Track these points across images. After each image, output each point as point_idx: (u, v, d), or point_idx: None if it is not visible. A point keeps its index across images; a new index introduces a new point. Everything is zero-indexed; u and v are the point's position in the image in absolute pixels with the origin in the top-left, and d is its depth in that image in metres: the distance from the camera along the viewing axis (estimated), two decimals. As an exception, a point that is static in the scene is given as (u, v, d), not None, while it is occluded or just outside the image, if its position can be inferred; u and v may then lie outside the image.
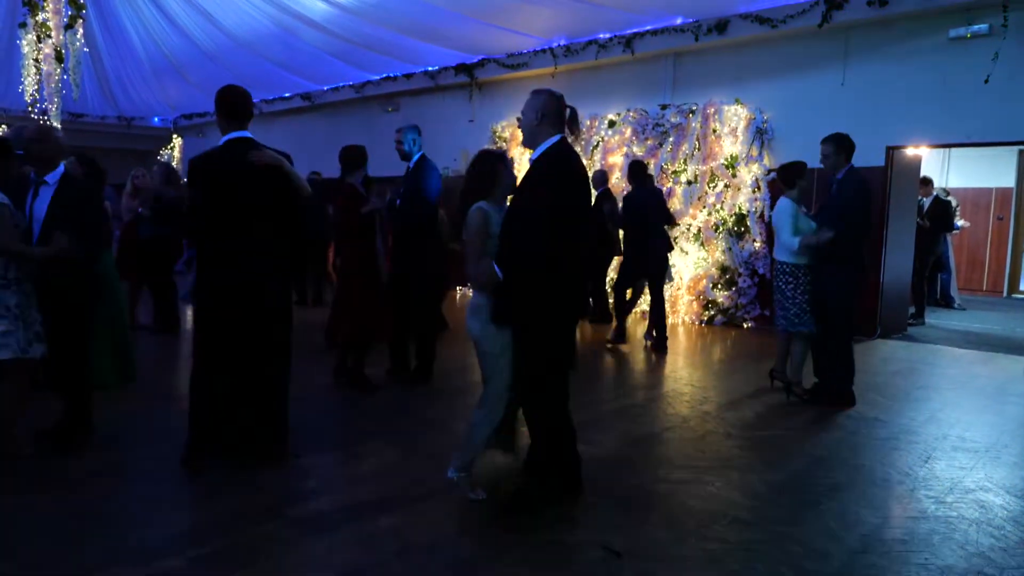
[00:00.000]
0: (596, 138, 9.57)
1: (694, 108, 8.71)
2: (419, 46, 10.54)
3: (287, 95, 14.01)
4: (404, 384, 5.50)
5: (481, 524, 3.13)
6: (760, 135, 8.30)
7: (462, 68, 10.93)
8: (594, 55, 9.46)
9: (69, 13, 8.06)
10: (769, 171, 8.14)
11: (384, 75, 12.12)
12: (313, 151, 11.98)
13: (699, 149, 8.62)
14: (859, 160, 7.57)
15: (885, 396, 5.45)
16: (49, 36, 7.85)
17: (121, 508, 3.20)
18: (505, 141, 10.69)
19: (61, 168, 3.79)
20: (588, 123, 9.66)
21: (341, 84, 12.85)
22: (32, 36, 7.74)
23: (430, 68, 11.40)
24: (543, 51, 9.95)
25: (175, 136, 17.54)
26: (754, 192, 8.26)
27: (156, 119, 17.31)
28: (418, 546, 2.91)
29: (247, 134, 3.72)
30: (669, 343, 7.29)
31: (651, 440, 4.35)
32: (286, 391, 3.83)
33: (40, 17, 8.09)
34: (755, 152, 8.33)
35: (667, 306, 7.61)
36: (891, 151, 7.60)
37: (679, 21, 8.68)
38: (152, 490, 3.42)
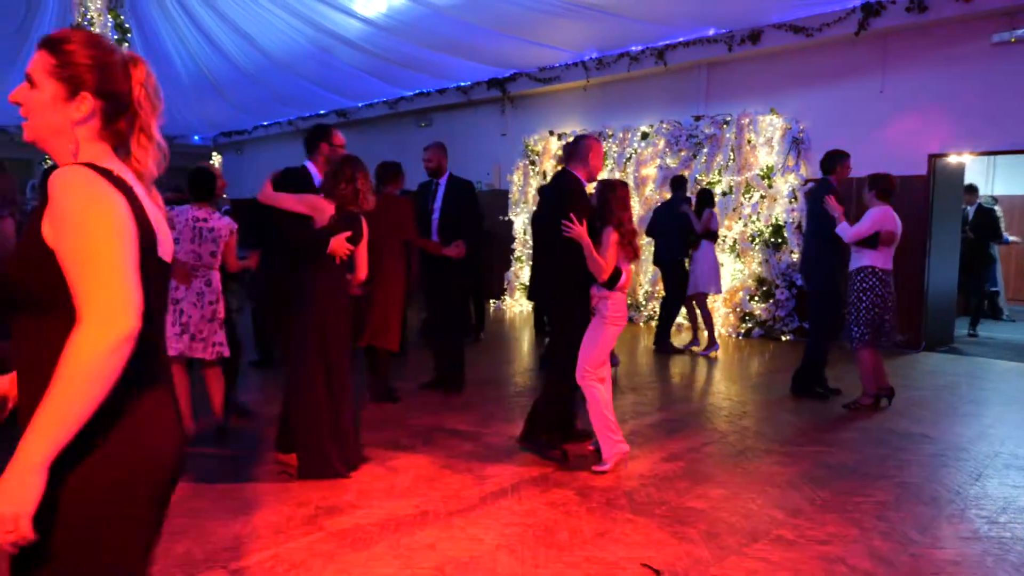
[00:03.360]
0: (629, 151, 9.54)
1: (728, 119, 8.64)
2: (452, 62, 10.65)
3: (323, 112, 14.26)
4: (437, 395, 5.52)
5: (519, 540, 3.11)
6: (796, 145, 8.20)
7: (494, 83, 11.02)
8: (626, 67, 9.46)
9: (115, 37, 8.31)
10: (806, 181, 8.03)
11: (417, 91, 12.27)
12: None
13: (734, 160, 8.54)
14: (899, 169, 7.47)
15: (931, 411, 5.30)
16: (96, 59, 8.10)
17: (173, 516, 3.25)
18: (537, 154, 10.72)
19: None
20: (621, 135, 9.64)
21: (375, 100, 13.04)
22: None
23: (462, 83, 11.50)
24: (575, 64, 9.97)
25: (214, 153, 17.96)
26: (791, 203, 8.14)
27: (196, 137, 17.74)
28: (456, 561, 2.90)
29: None
30: (708, 356, 7.24)
31: (690, 455, 4.29)
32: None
33: (87, 41, 8.33)
34: (791, 162, 8.22)
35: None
36: (933, 159, 7.44)
37: (712, 32, 8.64)
38: (195, 503, 3.48)
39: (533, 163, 10.77)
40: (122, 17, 8.43)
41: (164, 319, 1.53)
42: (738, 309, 8.39)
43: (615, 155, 9.64)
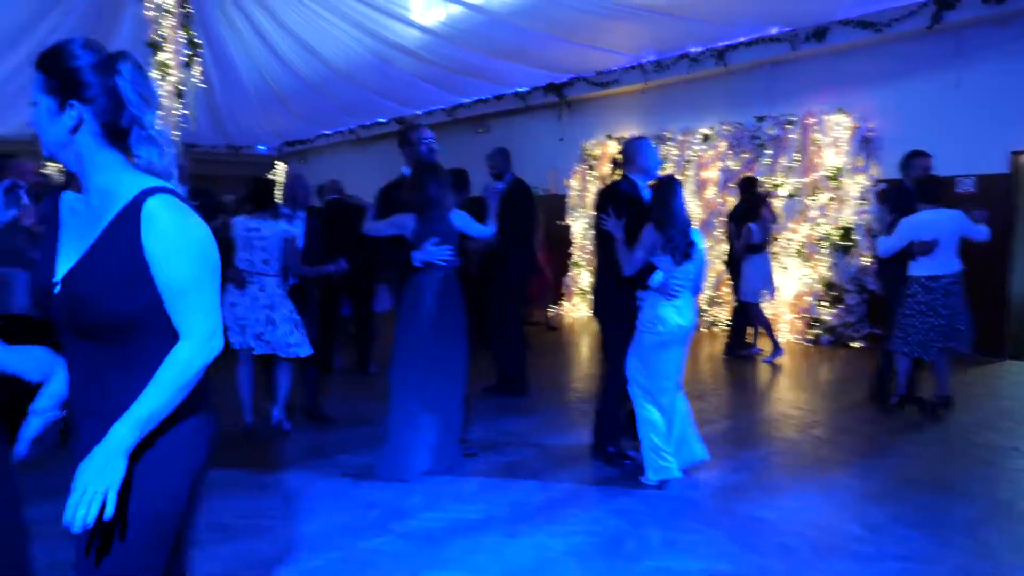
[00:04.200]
0: (689, 153, 9.40)
1: (792, 119, 8.42)
2: (509, 67, 10.68)
3: (383, 120, 14.50)
4: (500, 399, 5.53)
5: (588, 548, 3.08)
6: (866, 145, 7.92)
7: (551, 88, 11.00)
8: (685, 69, 9.31)
9: (187, 52, 8.63)
10: (877, 182, 7.75)
11: (475, 98, 12.35)
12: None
13: (799, 161, 8.31)
14: (980, 167, 7.14)
15: (1020, 423, 5.03)
16: (169, 74, 8.42)
17: (237, 518, 3.35)
18: (595, 159, 10.66)
19: None
20: (680, 138, 9.50)
21: (433, 108, 13.19)
22: (155, 74, 8.33)
23: (520, 89, 11.53)
24: (632, 68, 9.87)
25: (278, 162, 18.48)
26: (862, 204, 7.87)
27: (262, 147, 18.30)
28: (523, 568, 2.89)
29: None
30: (773, 362, 7.06)
31: (759, 464, 4.18)
32: None
33: (161, 57, 8.67)
34: (861, 163, 7.95)
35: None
36: (1016, 156, 7.08)
37: (774, 31, 8.43)
38: (266, 502, 3.57)
39: (591, 167, 10.71)
40: (194, 33, 8.74)
41: None
42: (805, 315, 8.14)
43: (675, 158, 9.50)
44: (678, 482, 3.77)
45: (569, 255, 10.65)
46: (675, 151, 9.53)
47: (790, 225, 8.28)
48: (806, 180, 8.25)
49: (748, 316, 7.29)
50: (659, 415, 3.78)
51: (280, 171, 18.39)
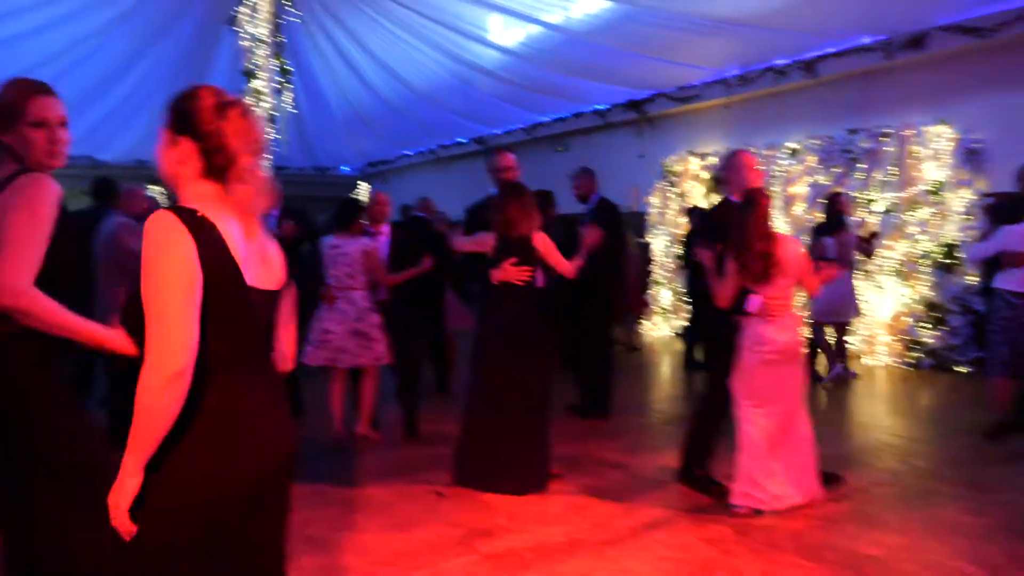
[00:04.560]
0: (776, 168, 9.11)
1: (888, 131, 8.03)
2: (588, 85, 10.68)
3: (463, 140, 14.75)
4: (583, 419, 5.45)
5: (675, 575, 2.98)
6: (970, 157, 7.47)
7: (631, 104, 10.92)
8: (771, 82, 9.06)
9: (279, 79, 9.05)
10: (984, 196, 7.28)
11: (554, 116, 12.40)
12: (485, 191, 12.45)
13: (896, 175, 7.91)
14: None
15: None
16: (263, 100, 8.83)
17: (324, 531, 3.40)
18: (676, 175, 10.49)
19: None
20: (766, 153, 9.23)
21: (513, 127, 13.31)
22: (248, 101, 8.76)
23: (599, 107, 11.50)
24: (715, 82, 9.69)
25: (361, 182, 19.05)
26: (966, 220, 7.41)
27: (346, 168, 18.92)
28: (613, 595, 2.81)
29: None
30: (868, 387, 6.69)
31: (860, 497, 3.94)
32: None
33: (255, 84, 9.10)
34: (965, 176, 7.50)
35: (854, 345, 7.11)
36: None
37: (867, 40, 8.10)
38: (353, 516, 3.61)
39: (672, 184, 10.54)
40: (286, 61, 9.15)
41: (264, 339, 1.64)
42: (904, 337, 7.70)
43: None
44: (772, 511, 3.59)
45: (649, 273, 10.47)
46: (760, 166, 9.25)
47: (886, 242, 7.88)
48: (903, 195, 7.85)
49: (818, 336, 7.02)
50: (758, 438, 3.61)
51: (364, 191, 18.96)
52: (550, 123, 12.59)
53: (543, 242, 3.99)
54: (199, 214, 1.46)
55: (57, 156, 2.01)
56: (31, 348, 1.91)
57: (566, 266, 4.08)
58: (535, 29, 9.85)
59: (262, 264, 1.57)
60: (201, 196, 1.51)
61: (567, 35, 9.46)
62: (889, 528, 3.48)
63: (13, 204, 1.87)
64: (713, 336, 3.97)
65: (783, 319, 3.60)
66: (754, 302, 3.57)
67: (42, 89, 2.01)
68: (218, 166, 1.51)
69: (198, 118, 1.51)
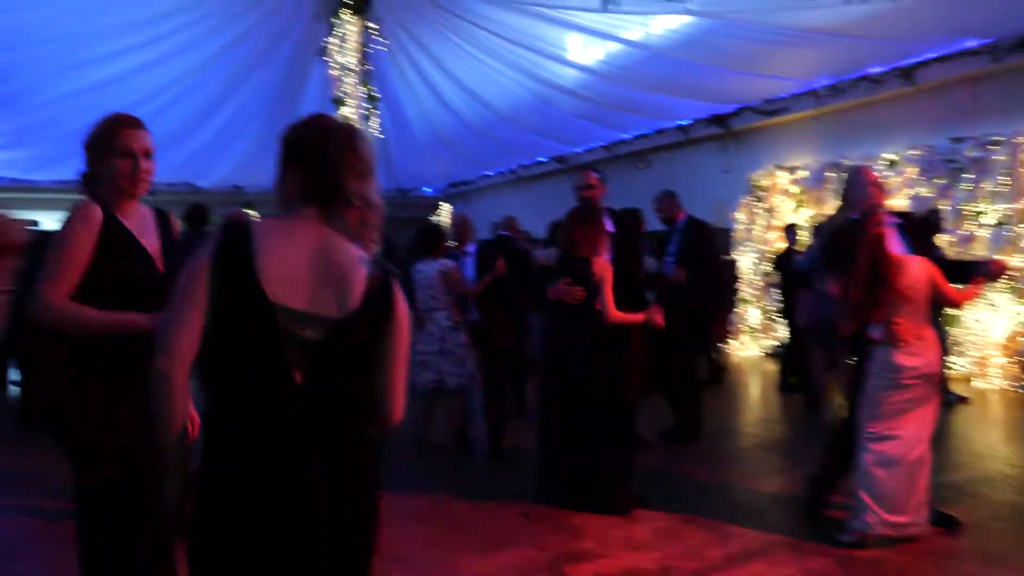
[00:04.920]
0: (871, 180, 8.70)
1: (998, 139, 7.54)
2: (670, 102, 10.53)
3: (543, 159, 14.82)
4: (673, 444, 5.30)
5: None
6: (1094, 164, 6.91)
7: (715, 119, 10.69)
8: (866, 91, 8.68)
9: (366, 106, 9.36)
10: (1108, 206, 6.71)
11: (635, 134, 12.29)
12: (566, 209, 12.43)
13: (1008, 185, 7.40)
14: None
15: None
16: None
17: (413, 549, 3.41)
18: (763, 190, 10.17)
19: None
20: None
21: (593, 145, 13.28)
22: (344, 127, 9.11)
23: (682, 122, 11.32)
24: (804, 94, 9.36)
25: (442, 203, 19.41)
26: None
27: (427, 188, 19.33)
28: (709, 627, 2.70)
29: None
30: (980, 412, 6.23)
31: (974, 529, 3.64)
32: None
33: (344, 111, 9.44)
34: (1087, 185, 6.94)
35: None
36: None
37: (972, 43, 7.65)
38: (441, 535, 3.62)
39: (759, 199, 10.23)
40: (373, 88, 9.46)
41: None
42: (1021, 358, 7.14)
43: (855, 187, 8.83)
44: (881, 543, 3.37)
45: (736, 291, 10.16)
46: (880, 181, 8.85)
47: (996, 256, 7.36)
48: (1017, 206, 7.33)
49: None
50: (878, 465, 3.37)
51: (445, 212, 19.32)
52: (631, 140, 12.49)
53: (603, 269, 3.91)
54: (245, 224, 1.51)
55: (140, 184, 2.16)
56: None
57: (610, 307, 3.87)
58: (615, 47, 9.82)
59: (323, 286, 1.46)
60: (305, 219, 1.52)
61: (649, 52, 9.38)
62: (1011, 567, 3.21)
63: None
64: (850, 365, 3.74)
65: (914, 344, 3.37)
66: (878, 328, 3.40)
67: (131, 122, 2.18)
68: (323, 191, 1.53)
69: (303, 145, 1.54)
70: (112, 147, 2.11)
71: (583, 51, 10.45)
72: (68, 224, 2.09)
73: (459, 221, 5.81)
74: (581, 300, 3.89)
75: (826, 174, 9.23)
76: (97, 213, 2.10)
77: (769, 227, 9.99)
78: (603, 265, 3.92)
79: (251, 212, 12.26)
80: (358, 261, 1.50)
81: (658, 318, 3.94)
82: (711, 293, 5.43)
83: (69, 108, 9.47)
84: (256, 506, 1.42)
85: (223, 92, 11.43)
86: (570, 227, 4.03)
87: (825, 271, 3.64)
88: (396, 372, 1.58)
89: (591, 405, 3.88)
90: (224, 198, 13.82)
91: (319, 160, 1.52)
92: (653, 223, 6.04)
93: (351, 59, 9.04)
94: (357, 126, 1.65)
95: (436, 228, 5.43)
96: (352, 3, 8.91)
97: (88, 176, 2.18)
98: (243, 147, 13.59)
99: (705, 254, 5.57)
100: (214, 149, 13.58)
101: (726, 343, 9.37)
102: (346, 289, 1.47)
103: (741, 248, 10.40)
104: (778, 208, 9.90)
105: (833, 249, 3.68)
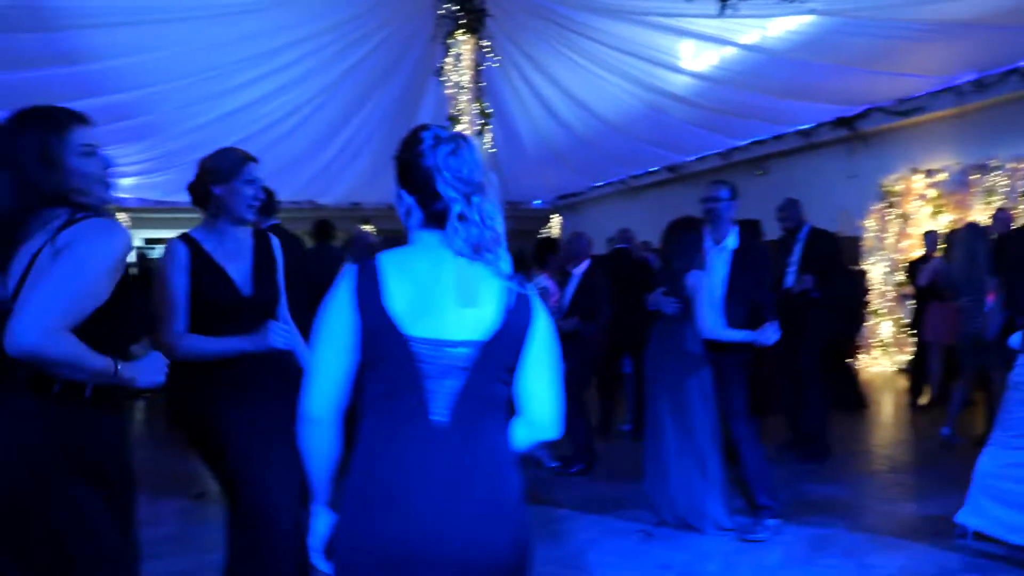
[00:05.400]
0: None
1: None
2: (791, 105, 10.09)
3: (654, 168, 14.59)
4: (801, 461, 5.03)
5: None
6: None
7: (841, 122, 10.13)
8: (1018, 85, 7.95)
9: (480, 122, 9.54)
10: None
11: (751, 139, 11.87)
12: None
13: None
14: None
15: None
16: (466, 144, 9.34)
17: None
18: (897, 195, 9.53)
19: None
20: (1011, 166, 8.09)
21: (707, 153, 12.94)
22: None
23: (803, 126, 10.82)
24: (944, 91, 8.70)
25: (552, 215, 19.49)
26: None
27: (537, 201, 19.48)
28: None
29: None
30: None
31: None
32: None
33: (458, 128, 9.66)
34: None
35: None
36: None
37: None
38: (559, 551, 3.59)
39: (891, 205, 9.58)
40: (486, 104, 9.64)
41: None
42: None
43: (1004, 190, 8.09)
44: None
45: (866, 304, 9.56)
46: (1003, 181, 8.13)
47: None
48: None
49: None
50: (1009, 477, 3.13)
51: (555, 224, 19.40)
52: (747, 146, 12.07)
53: (695, 282, 3.77)
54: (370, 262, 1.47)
55: (254, 209, 2.39)
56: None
57: (704, 322, 3.70)
58: (729, 51, 9.52)
59: (457, 309, 1.42)
60: (426, 244, 1.48)
61: (767, 55, 9.02)
62: None
63: None
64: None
65: None
66: (1014, 338, 3.14)
67: (252, 157, 2.42)
68: (437, 212, 1.46)
69: (415, 168, 1.47)
70: (238, 175, 2.33)
71: (696, 58, 10.20)
72: (161, 267, 2.32)
73: (571, 239, 5.64)
74: (677, 313, 3.79)
75: (970, 177, 8.53)
76: (182, 250, 2.30)
77: (902, 235, 9.34)
78: (696, 279, 3.78)
79: (367, 227, 12.84)
80: (489, 279, 1.45)
81: (766, 337, 3.66)
82: (839, 305, 5.11)
83: (207, 136, 10.25)
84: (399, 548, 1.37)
85: (344, 113, 12.01)
86: (666, 238, 4.03)
87: (985, 278, 3.37)
88: (549, 383, 1.50)
89: (691, 422, 3.77)
90: (343, 214, 14.49)
91: (429, 181, 1.45)
92: (770, 232, 5.81)
93: (465, 77, 9.24)
94: (466, 135, 1.57)
95: (548, 241, 5.39)
96: (466, 24, 9.12)
97: (199, 199, 2.37)
98: (361, 165, 14.25)
99: (830, 265, 5.28)
100: (335, 168, 14.29)
101: (856, 358, 8.82)
102: (483, 309, 1.43)
103: (871, 258, 9.77)
104: (914, 214, 9.25)
105: (1000, 256, 3.41)
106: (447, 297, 1.41)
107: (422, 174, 1.45)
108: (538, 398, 1.49)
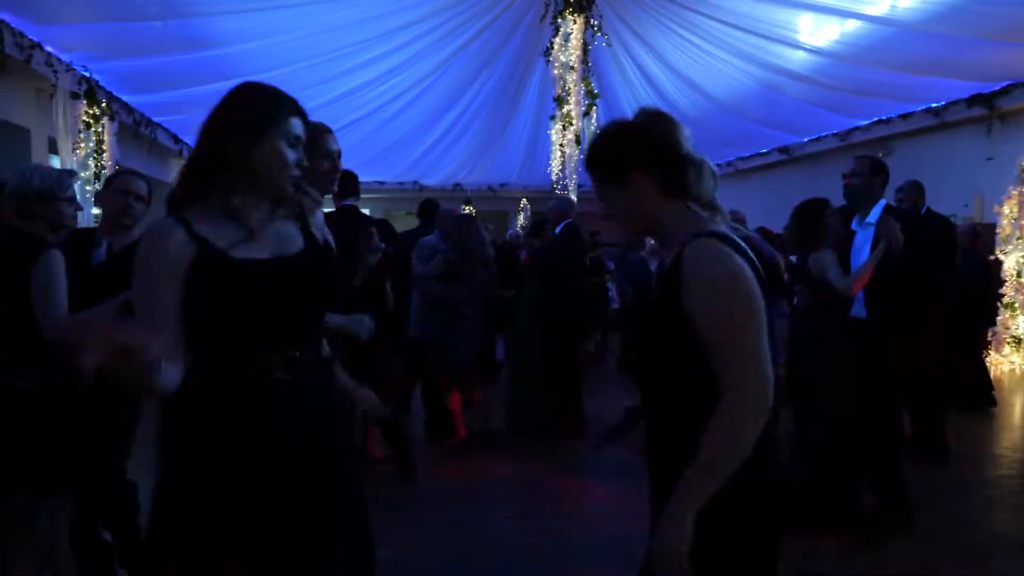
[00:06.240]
0: None
1: None
2: (920, 82, 9.39)
3: (764, 151, 14.00)
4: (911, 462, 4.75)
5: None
6: None
7: (977, 99, 9.34)
8: None
9: (587, 102, 9.43)
10: None
11: (874, 119, 11.15)
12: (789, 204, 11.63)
13: None
14: None
15: None
16: (571, 124, 9.26)
17: None
18: (1040, 178, 8.71)
19: None
20: None
21: (823, 134, 12.28)
22: (559, 126, 9.26)
23: (933, 104, 10.05)
24: (1103, 62, 7.86)
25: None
26: None
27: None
28: None
29: None
30: None
31: None
32: None
33: (565, 109, 9.59)
34: None
35: None
36: None
37: None
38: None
39: (1033, 190, 8.78)
40: (592, 85, 9.51)
41: None
42: None
43: None
44: None
45: (1000, 296, 8.84)
46: None
47: None
48: None
49: None
50: None
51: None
52: (868, 126, 11.37)
53: (817, 264, 3.57)
54: (725, 234, 1.42)
55: (335, 181, 2.45)
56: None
57: (840, 283, 3.52)
58: (852, 25, 8.95)
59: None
60: (688, 217, 1.47)
61: (895, 27, 8.42)
62: None
63: None
64: None
65: None
66: None
67: (329, 129, 2.44)
68: (679, 181, 1.48)
69: (642, 146, 1.50)
70: (316, 148, 2.35)
71: (815, 33, 9.65)
72: None
73: None
74: (811, 302, 3.63)
75: None
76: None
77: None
78: (818, 261, 3.57)
79: (468, 208, 13.00)
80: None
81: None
82: (963, 295, 4.73)
83: (322, 117, 10.68)
84: None
85: (451, 95, 12.20)
86: (790, 222, 3.82)
87: None
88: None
89: (818, 415, 3.58)
90: (446, 195, 14.76)
91: (670, 147, 1.49)
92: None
93: (573, 57, 9.15)
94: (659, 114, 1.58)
95: None
96: (575, 2, 9.02)
97: None
98: (464, 147, 14.45)
99: (948, 254, 4.87)
100: (439, 150, 14.56)
101: (987, 355, 8.19)
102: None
103: (1007, 247, 9.01)
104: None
105: None
106: None
107: (662, 139, 1.53)
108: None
